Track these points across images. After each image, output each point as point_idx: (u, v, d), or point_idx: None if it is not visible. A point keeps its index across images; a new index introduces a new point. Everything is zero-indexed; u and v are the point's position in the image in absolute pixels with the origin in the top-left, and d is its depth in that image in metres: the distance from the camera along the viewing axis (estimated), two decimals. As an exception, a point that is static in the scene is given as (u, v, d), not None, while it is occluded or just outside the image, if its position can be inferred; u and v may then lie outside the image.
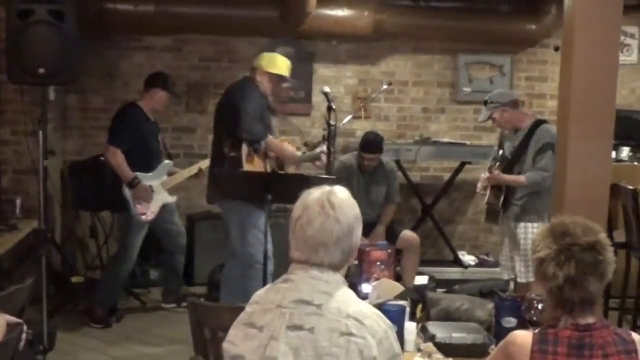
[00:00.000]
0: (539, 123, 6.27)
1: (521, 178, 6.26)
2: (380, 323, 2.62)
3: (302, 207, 2.69)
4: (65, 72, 6.14)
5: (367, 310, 2.64)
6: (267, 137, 5.98)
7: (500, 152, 6.57)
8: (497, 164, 6.47)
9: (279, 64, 6.20)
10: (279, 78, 6.21)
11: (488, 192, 6.56)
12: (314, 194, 2.71)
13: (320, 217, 2.64)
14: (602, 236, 2.79)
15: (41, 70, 5.98)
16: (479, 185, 6.70)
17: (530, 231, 6.21)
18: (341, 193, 2.74)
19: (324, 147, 6.25)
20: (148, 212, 6.93)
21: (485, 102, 6.53)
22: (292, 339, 2.57)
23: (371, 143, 7.20)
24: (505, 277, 6.68)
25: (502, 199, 6.40)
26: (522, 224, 6.29)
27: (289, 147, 6.20)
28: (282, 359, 2.55)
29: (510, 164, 6.38)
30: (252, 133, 5.93)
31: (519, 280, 6.35)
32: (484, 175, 6.53)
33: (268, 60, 6.20)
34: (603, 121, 4.81)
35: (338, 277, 2.70)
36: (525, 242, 6.19)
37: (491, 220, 6.78)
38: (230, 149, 6.10)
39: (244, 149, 5.97)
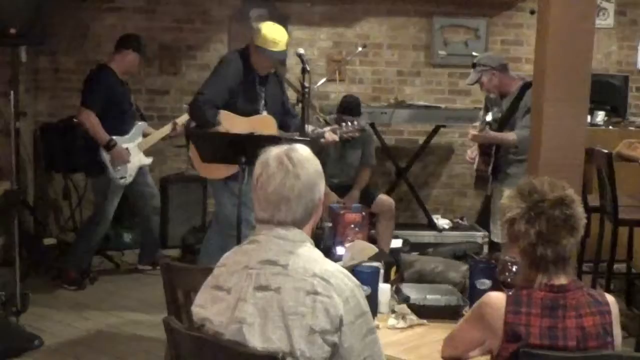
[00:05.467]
0: (528, 85, 6.17)
1: (510, 135, 6.23)
2: (347, 281, 2.60)
3: (261, 165, 2.68)
4: (37, 32, 6.07)
5: (333, 269, 2.62)
6: (216, 125, 5.85)
7: (488, 116, 6.48)
8: (487, 125, 6.40)
9: (265, 36, 5.92)
10: (263, 51, 5.97)
11: (477, 158, 6.52)
12: (273, 151, 2.69)
13: (280, 173, 2.63)
14: (570, 191, 2.80)
15: (12, 31, 5.90)
16: (469, 152, 6.67)
17: None
18: (301, 149, 2.72)
19: (334, 126, 6.28)
20: (126, 175, 6.89)
21: (474, 65, 6.50)
22: (259, 299, 2.56)
23: (350, 106, 7.17)
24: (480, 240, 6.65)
25: (491, 165, 6.37)
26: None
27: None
28: (250, 320, 2.55)
29: (500, 128, 6.34)
30: (198, 118, 5.93)
31: None
32: (472, 131, 6.46)
33: (257, 32, 5.98)
34: (578, 85, 4.81)
35: (303, 235, 2.69)
36: None
37: (480, 187, 6.72)
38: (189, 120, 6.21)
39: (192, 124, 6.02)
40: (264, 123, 6.05)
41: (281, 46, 5.97)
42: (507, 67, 6.48)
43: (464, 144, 8.46)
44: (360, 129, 6.55)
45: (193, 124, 6.01)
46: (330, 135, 6.21)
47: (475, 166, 6.58)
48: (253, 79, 6.07)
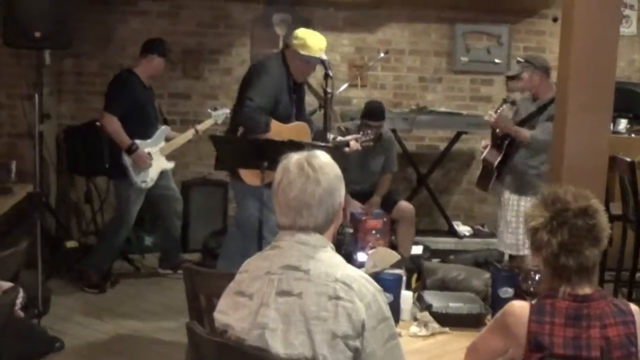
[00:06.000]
0: None
1: (526, 132, 6.27)
2: (369, 286, 2.61)
3: (282, 171, 2.70)
4: (61, 36, 6.13)
5: (354, 274, 2.63)
6: (268, 130, 5.80)
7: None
8: (508, 104, 6.43)
9: (310, 45, 5.95)
10: (309, 59, 6.00)
11: (488, 149, 6.54)
12: (294, 157, 2.71)
13: (301, 178, 2.64)
14: (594, 201, 2.79)
15: (37, 34, 5.96)
16: (483, 142, 6.69)
17: (522, 204, 6.24)
18: (321, 155, 2.74)
19: (356, 135, 6.28)
20: (148, 179, 6.90)
21: (518, 61, 6.53)
22: (281, 304, 2.57)
23: (376, 111, 7.15)
24: (501, 248, 6.67)
25: (499, 159, 6.37)
26: (515, 196, 6.30)
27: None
28: (272, 325, 2.55)
29: (519, 126, 6.37)
30: (251, 126, 5.81)
31: (510, 252, 6.41)
32: (491, 112, 6.46)
33: (300, 40, 5.97)
34: (602, 93, 4.78)
35: (324, 240, 2.70)
36: (512, 214, 6.27)
37: (481, 185, 6.73)
38: (230, 127, 6.15)
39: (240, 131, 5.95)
40: (303, 131, 6.06)
41: (323, 53, 6.00)
42: (549, 71, 6.47)
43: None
44: (376, 138, 6.55)
45: (241, 130, 5.93)
46: (354, 144, 6.22)
47: (483, 155, 6.58)
48: (290, 86, 6.07)
